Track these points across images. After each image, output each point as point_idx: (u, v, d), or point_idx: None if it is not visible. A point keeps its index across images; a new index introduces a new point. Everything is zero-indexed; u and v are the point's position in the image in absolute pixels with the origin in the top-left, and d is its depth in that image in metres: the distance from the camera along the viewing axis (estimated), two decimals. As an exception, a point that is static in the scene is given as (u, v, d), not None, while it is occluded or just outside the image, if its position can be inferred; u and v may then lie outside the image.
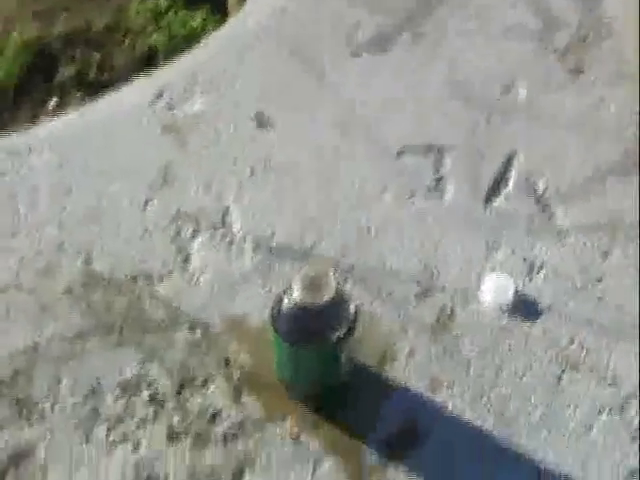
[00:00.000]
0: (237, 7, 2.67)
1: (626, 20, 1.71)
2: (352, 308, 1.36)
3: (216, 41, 2.02)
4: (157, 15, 2.98)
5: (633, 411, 1.49)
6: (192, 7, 3.00)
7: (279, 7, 1.98)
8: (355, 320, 1.37)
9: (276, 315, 1.32)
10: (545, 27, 1.86)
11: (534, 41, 1.84)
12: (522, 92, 1.79)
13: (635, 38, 1.61)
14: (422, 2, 1.93)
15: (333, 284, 1.28)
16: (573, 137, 1.72)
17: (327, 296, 1.27)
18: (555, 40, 1.83)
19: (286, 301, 1.30)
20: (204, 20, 2.94)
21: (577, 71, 1.75)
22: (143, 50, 2.85)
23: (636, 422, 1.48)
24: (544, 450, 1.44)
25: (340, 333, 1.34)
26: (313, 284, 1.27)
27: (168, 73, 1.93)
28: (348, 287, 1.58)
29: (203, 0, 3.00)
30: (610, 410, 1.49)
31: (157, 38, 2.90)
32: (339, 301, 1.33)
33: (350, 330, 1.36)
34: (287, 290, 1.29)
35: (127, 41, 2.86)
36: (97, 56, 2.52)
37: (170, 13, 2.99)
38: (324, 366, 1.42)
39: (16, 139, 1.85)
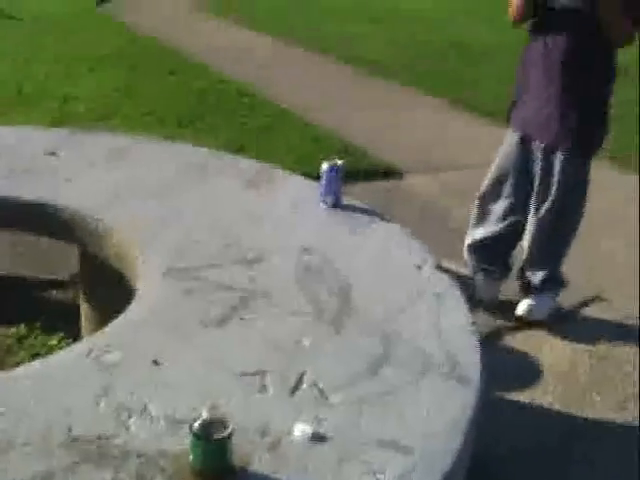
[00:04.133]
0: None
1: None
2: None
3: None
4: (19, 338, 3.92)
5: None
6: (48, 333, 3.94)
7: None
8: None
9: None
10: (318, 310, 2.61)
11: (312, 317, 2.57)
12: (306, 343, 2.45)
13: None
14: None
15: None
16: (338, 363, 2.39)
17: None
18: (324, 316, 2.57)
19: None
20: (60, 342, 3.82)
21: (338, 332, 2.51)
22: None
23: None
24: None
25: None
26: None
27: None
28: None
29: (57, 328, 3.94)
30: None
31: (23, 355, 3.81)
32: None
33: None
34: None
35: None
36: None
37: (31, 337, 3.93)
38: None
39: None
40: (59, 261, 4.76)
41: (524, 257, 4.50)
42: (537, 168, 4.19)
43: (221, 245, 2.95)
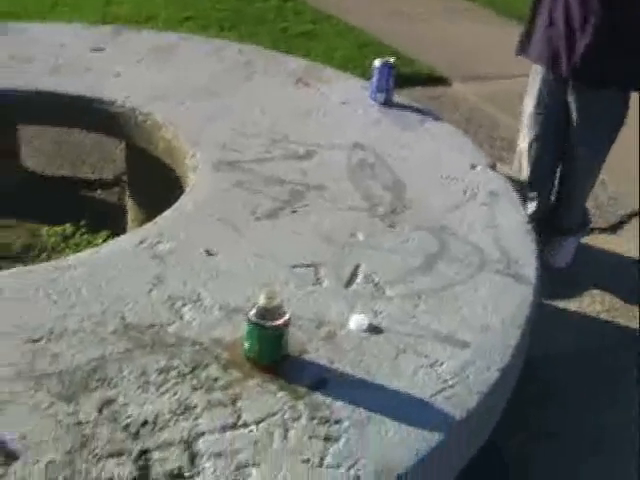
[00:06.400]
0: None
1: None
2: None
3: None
4: (65, 238, 3.90)
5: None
6: (94, 232, 3.88)
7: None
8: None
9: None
10: (371, 205, 2.58)
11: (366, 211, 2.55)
12: (361, 236, 2.41)
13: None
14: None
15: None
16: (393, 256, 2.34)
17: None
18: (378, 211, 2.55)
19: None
20: (105, 240, 3.55)
21: (392, 226, 2.48)
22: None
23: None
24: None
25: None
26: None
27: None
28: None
29: (102, 227, 3.83)
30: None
31: (68, 253, 3.62)
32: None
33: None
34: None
35: (43, 257, 3.67)
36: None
37: (76, 236, 3.90)
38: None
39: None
40: (103, 162, 4.74)
41: (554, 198, 4.11)
42: (567, 105, 3.72)
43: (270, 140, 2.90)
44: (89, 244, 3.79)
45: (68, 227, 3.97)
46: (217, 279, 2.14)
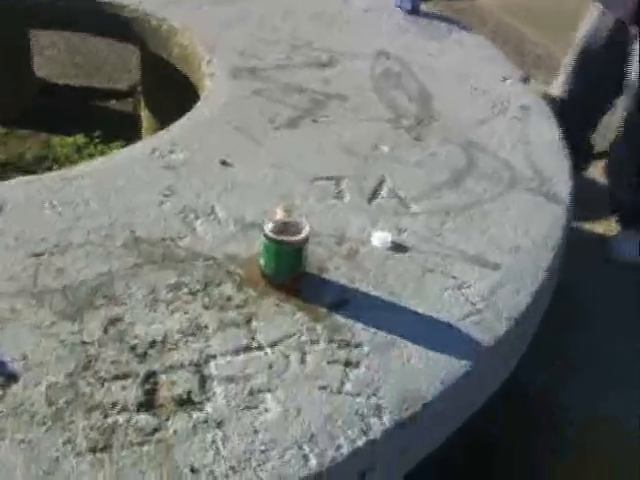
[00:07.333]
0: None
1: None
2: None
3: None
4: (78, 148, 3.82)
5: None
6: (108, 142, 3.80)
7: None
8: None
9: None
10: (396, 116, 2.46)
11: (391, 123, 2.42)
12: (385, 149, 2.29)
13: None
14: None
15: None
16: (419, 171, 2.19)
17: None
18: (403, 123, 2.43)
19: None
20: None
21: (418, 139, 2.35)
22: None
23: None
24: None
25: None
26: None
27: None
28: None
29: (117, 137, 3.71)
30: None
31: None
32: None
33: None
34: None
35: (55, 168, 3.50)
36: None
37: (90, 147, 3.82)
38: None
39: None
40: (118, 71, 4.61)
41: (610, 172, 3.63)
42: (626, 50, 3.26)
43: (291, 47, 2.77)
44: (103, 154, 3.68)
45: (80, 138, 3.86)
46: (232, 191, 2.03)
